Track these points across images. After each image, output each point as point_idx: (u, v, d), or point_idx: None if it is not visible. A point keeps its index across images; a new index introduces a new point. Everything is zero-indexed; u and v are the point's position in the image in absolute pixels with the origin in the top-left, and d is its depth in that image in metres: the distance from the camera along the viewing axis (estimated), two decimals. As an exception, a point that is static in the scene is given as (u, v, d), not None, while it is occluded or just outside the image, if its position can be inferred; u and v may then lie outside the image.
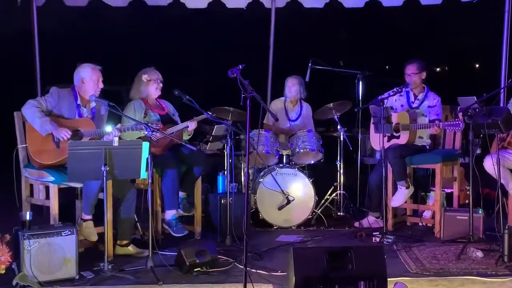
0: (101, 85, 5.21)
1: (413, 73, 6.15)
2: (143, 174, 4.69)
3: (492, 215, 5.33)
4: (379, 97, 5.99)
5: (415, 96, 6.22)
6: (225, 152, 5.94)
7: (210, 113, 5.65)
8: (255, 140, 6.14)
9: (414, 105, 6.20)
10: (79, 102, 5.19)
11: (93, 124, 5.16)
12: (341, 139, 6.69)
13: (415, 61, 6.20)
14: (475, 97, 5.41)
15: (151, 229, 4.73)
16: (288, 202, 6.15)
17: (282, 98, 6.88)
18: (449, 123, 5.69)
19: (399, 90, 6.04)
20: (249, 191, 6.13)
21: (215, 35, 11.21)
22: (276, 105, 6.87)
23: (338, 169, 6.70)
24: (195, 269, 4.64)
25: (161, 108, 5.79)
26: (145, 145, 4.64)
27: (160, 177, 5.54)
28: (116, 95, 6.54)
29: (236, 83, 4.14)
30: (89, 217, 5.00)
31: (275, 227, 6.20)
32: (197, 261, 4.63)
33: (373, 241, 5.61)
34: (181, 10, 7.63)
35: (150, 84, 5.70)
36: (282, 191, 6.16)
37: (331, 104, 6.62)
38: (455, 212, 5.70)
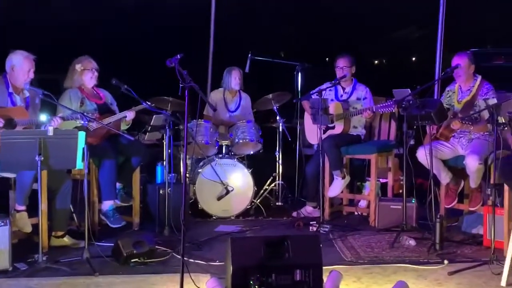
0: (31, 75, 5.05)
1: (345, 66, 6.22)
2: (79, 164, 4.60)
3: (424, 204, 5.48)
4: (317, 89, 6.08)
5: (344, 89, 6.32)
6: (164, 142, 5.90)
7: (148, 103, 5.59)
8: (194, 130, 6.12)
9: (342, 98, 6.29)
10: (11, 90, 5.05)
11: (27, 113, 5.03)
12: (280, 130, 6.75)
13: (346, 55, 6.29)
14: (409, 89, 5.54)
15: (87, 220, 4.66)
16: (227, 192, 6.17)
17: (221, 89, 6.84)
18: (381, 105, 5.82)
19: (337, 82, 6.14)
20: (188, 182, 6.11)
21: (155, 23, 11.07)
22: (215, 96, 6.84)
23: (277, 159, 6.74)
24: (133, 260, 4.61)
25: (98, 97, 5.69)
26: (81, 135, 4.55)
27: (97, 168, 5.46)
28: (54, 83, 6.38)
29: (175, 73, 4.12)
30: (23, 207, 4.89)
31: (214, 217, 6.20)
32: (135, 251, 4.60)
33: (310, 230, 5.70)
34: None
35: (84, 74, 5.59)
36: (221, 181, 6.16)
37: (271, 95, 6.67)
38: (389, 201, 5.86)
